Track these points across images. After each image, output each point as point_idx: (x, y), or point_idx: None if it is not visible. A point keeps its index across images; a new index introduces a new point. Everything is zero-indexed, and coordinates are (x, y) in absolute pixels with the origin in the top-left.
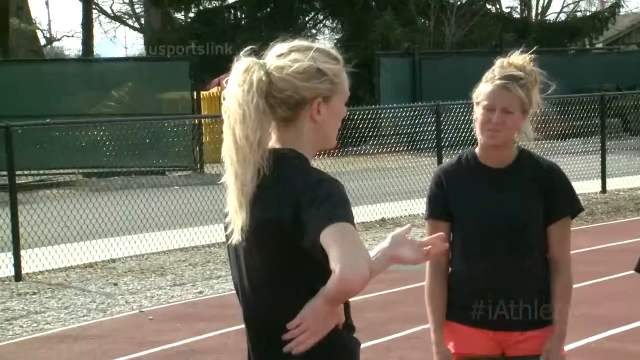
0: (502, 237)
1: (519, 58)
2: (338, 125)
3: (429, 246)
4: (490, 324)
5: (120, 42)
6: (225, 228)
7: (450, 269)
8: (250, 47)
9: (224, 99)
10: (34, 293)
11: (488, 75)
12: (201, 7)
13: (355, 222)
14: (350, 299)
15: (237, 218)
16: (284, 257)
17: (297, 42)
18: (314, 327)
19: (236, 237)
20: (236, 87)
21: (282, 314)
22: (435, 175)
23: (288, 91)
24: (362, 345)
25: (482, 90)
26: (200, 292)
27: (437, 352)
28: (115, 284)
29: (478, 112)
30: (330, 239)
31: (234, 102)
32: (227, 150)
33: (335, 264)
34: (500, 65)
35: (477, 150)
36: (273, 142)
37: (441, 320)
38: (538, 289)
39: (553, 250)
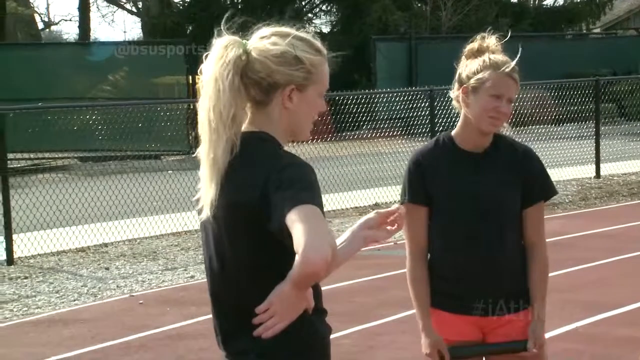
0: (482, 221)
1: (493, 41)
2: (313, 117)
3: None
4: (472, 308)
5: (119, 26)
6: (197, 203)
7: (430, 255)
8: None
9: (201, 72)
10: (26, 277)
11: (487, 61)
12: None
13: (322, 205)
14: (322, 283)
15: (207, 193)
16: (253, 240)
17: (283, 28)
18: (282, 311)
19: (206, 212)
20: (214, 62)
21: (251, 297)
22: (413, 159)
23: (262, 73)
24: (352, 330)
25: (490, 77)
26: (192, 277)
27: (425, 337)
28: (107, 269)
29: (479, 97)
30: (294, 221)
31: (211, 76)
32: (201, 124)
33: (298, 247)
34: (488, 49)
35: (454, 133)
36: (246, 124)
37: (427, 305)
38: (519, 273)
39: (529, 233)
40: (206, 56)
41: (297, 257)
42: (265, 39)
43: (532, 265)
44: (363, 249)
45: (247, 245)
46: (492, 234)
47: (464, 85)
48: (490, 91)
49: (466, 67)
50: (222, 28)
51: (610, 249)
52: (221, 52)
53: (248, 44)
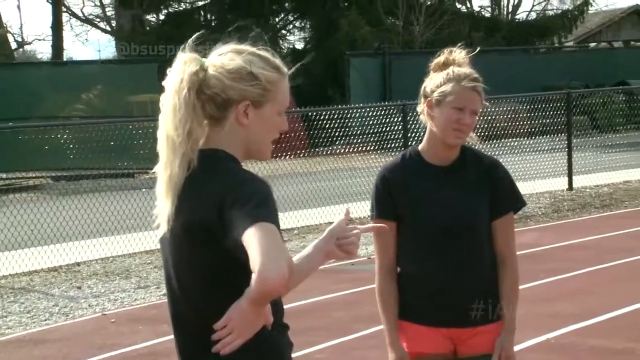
0: (451, 235)
1: (460, 54)
2: (272, 136)
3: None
4: (441, 322)
5: (93, 45)
6: (155, 220)
7: (399, 269)
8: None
9: (163, 88)
10: None
11: (451, 74)
12: (170, 10)
13: (278, 223)
14: (297, 298)
15: (163, 210)
16: (211, 257)
17: (242, 45)
18: (240, 327)
19: (163, 229)
20: (173, 78)
21: (210, 315)
22: (380, 174)
23: (216, 89)
24: (327, 344)
25: (453, 90)
26: (165, 295)
27: (392, 351)
28: (79, 287)
29: (442, 111)
30: (250, 239)
31: (169, 91)
32: (160, 140)
33: (254, 265)
34: (453, 62)
35: (420, 147)
36: (203, 142)
37: (394, 320)
38: (489, 285)
39: (498, 245)
40: (168, 72)
41: (253, 276)
42: (222, 56)
43: (502, 278)
44: (337, 263)
45: (204, 262)
46: (461, 247)
47: (429, 99)
48: (453, 104)
49: (431, 80)
50: (187, 44)
51: (583, 260)
52: (180, 67)
53: (206, 61)
